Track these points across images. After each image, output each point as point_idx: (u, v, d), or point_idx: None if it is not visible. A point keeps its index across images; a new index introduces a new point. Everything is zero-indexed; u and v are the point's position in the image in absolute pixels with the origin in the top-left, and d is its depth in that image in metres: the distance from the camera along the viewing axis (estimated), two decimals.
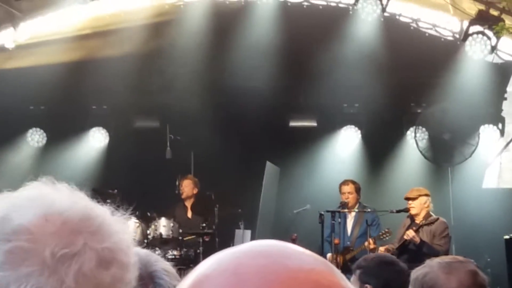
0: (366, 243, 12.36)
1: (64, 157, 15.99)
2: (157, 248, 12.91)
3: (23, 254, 1.41)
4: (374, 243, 12.36)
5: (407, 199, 12.55)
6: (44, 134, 16.75)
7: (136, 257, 1.56)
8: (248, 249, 1.21)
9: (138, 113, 16.21)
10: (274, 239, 1.26)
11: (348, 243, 12.92)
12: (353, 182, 13.33)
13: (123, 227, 1.55)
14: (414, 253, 11.98)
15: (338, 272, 1.20)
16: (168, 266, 3.25)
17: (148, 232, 13.01)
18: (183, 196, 13.88)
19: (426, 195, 12.57)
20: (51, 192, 1.52)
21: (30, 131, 16.68)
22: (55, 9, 14.78)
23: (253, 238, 13.24)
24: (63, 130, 16.18)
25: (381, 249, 12.25)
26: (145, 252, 3.07)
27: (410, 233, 12.10)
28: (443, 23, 15.49)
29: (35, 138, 16.74)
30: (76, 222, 1.47)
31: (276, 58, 14.68)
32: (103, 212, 1.53)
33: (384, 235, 12.44)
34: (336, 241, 12.59)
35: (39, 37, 15.49)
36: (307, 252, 1.21)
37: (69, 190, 1.54)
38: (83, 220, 1.48)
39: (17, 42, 15.57)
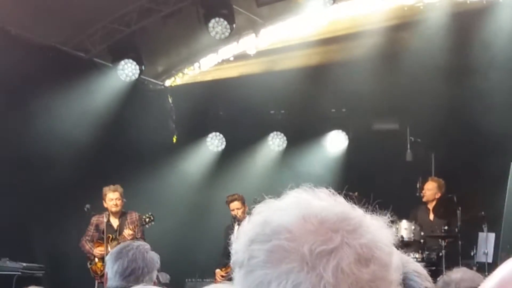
0: None
1: (304, 160, 16.25)
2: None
3: (283, 253, 1.45)
4: None
5: None
6: (285, 138, 17.10)
7: (399, 260, 1.54)
8: None
9: (377, 115, 16.19)
10: None
11: None
12: None
13: (382, 228, 1.55)
14: None
15: None
16: (419, 267, 3.21)
17: None
18: (424, 199, 13.69)
19: None
20: (309, 196, 1.56)
21: (271, 134, 17.09)
22: (296, 15, 15.04)
23: (497, 241, 12.86)
24: (303, 133, 16.45)
25: None
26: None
27: None
28: None
29: (276, 141, 17.12)
30: (334, 222, 1.49)
31: None
32: (360, 213, 1.55)
33: None
34: None
35: (279, 43, 15.84)
36: None
37: (327, 194, 1.57)
38: (340, 219, 1.50)
39: (259, 48, 16.00)
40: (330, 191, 1.59)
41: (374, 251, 1.48)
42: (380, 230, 1.53)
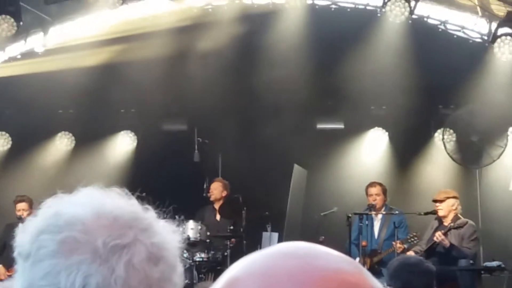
0: (393, 244, 12.32)
1: (93, 161, 16.08)
2: (184, 251, 12.93)
3: (75, 244, 1.46)
4: (402, 245, 12.33)
5: (435, 201, 12.52)
6: (73, 138, 16.86)
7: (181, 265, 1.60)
8: (277, 251, 1.25)
9: (166, 116, 16.27)
10: (302, 242, 1.28)
11: (376, 245, 12.87)
12: (380, 184, 13.30)
13: (171, 231, 1.59)
14: (443, 255, 11.97)
15: (365, 270, 1.24)
16: None
17: None
18: (211, 199, 13.89)
19: (454, 197, 12.53)
20: (101, 194, 1.57)
21: (59, 134, 16.80)
22: (85, 14, 14.88)
23: (280, 240, 13.21)
24: (91, 133, 16.28)
25: (410, 252, 12.17)
26: None
27: (440, 236, 12.06)
28: (471, 25, 15.37)
29: (64, 141, 16.86)
30: (128, 219, 1.52)
31: (304, 61, 14.67)
32: (152, 214, 1.59)
33: (412, 239, 12.40)
34: (364, 243, 12.58)
35: (68, 42, 15.59)
36: (335, 252, 1.25)
37: (119, 194, 1.59)
38: (134, 218, 1.53)
39: (47, 47, 15.69)
40: (123, 191, 1.60)
41: (163, 252, 1.52)
42: (169, 233, 1.57)
